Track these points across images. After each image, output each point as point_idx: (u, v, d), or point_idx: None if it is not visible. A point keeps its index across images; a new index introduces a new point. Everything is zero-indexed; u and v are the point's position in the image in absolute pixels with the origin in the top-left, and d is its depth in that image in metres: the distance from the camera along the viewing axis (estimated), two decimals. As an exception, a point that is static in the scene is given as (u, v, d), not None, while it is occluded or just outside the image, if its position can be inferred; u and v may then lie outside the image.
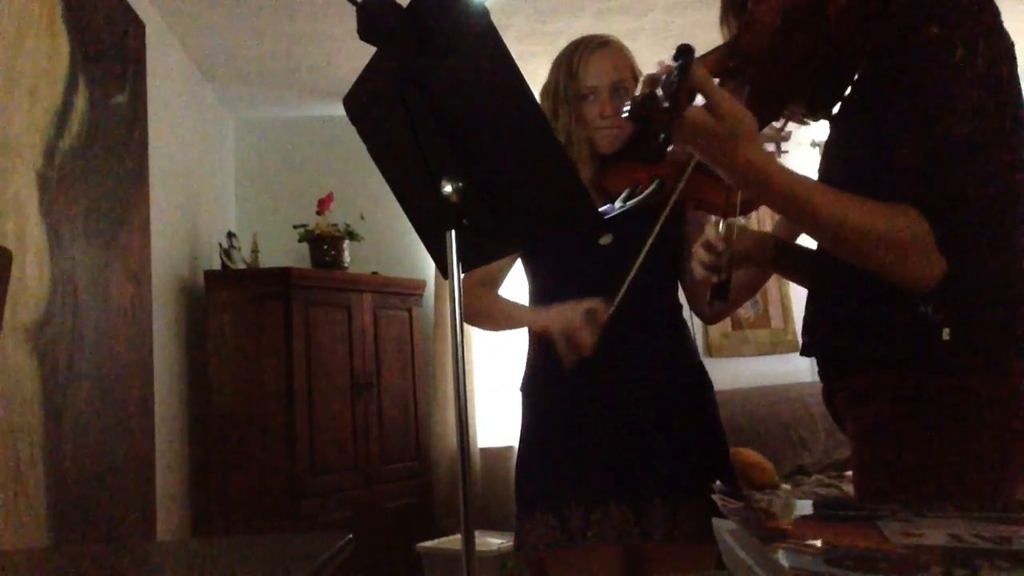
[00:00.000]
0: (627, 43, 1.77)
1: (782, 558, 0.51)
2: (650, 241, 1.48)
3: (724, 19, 1.25)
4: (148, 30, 3.04)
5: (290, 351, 3.46)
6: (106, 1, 2.66)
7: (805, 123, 1.29)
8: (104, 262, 2.54)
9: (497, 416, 4.29)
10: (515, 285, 1.84)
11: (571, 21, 3.53)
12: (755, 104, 1.07)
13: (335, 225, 3.99)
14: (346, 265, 3.99)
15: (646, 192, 1.30)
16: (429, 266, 4.25)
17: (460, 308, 1.15)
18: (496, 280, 1.81)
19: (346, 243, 4.00)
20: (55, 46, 2.31)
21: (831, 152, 1.24)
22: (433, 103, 1.14)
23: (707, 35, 1.29)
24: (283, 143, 4.50)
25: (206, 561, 1.07)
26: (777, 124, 1.26)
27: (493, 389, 4.31)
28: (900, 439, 1.08)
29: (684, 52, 0.97)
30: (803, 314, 1.27)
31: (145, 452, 2.82)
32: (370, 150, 1.35)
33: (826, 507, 0.87)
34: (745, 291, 1.66)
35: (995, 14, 1.06)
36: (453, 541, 3.63)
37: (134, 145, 2.85)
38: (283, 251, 4.11)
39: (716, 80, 1.07)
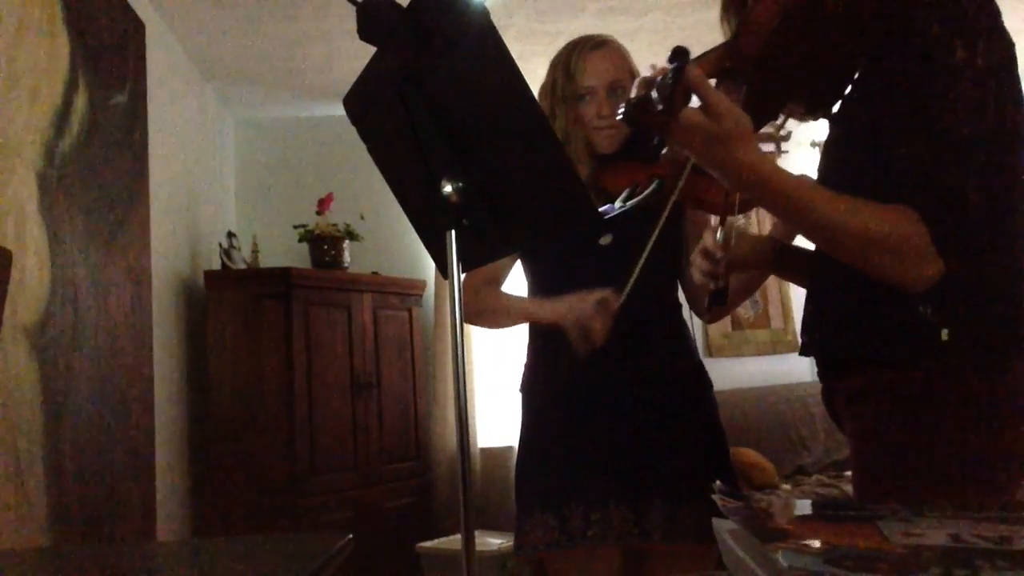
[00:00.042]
0: (627, 43, 1.77)
1: (782, 558, 0.51)
2: (652, 239, 1.48)
3: (724, 16, 1.25)
4: (148, 30, 3.04)
5: (290, 351, 3.45)
6: (106, 1, 2.67)
7: (805, 120, 1.28)
8: (104, 262, 2.54)
9: (497, 416, 4.29)
10: (515, 285, 1.84)
11: (571, 21, 3.53)
12: (752, 104, 1.07)
13: (335, 225, 3.99)
14: (346, 265, 3.99)
15: (646, 192, 1.30)
16: (429, 266, 4.25)
17: (460, 308, 1.15)
18: (499, 279, 1.81)
19: (346, 243, 3.99)
20: (55, 46, 2.31)
21: (830, 151, 1.24)
22: (433, 103, 1.14)
23: (707, 35, 1.29)
24: (283, 143, 4.50)
25: (206, 561, 1.07)
26: (777, 122, 1.25)
27: (493, 389, 4.30)
28: (899, 439, 1.08)
29: (679, 54, 0.97)
30: (802, 314, 1.27)
31: (145, 452, 2.82)
32: (370, 150, 1.35)
33: (826, 507, 0.87)
34: (743, 292, 1.66)
35: (995, 14, 1.06)
36: (453, 541, 3.63)
37: (134, 145, 2.85)
38: (283, 251, 4.10)
39: (712, 81, 1.07)
